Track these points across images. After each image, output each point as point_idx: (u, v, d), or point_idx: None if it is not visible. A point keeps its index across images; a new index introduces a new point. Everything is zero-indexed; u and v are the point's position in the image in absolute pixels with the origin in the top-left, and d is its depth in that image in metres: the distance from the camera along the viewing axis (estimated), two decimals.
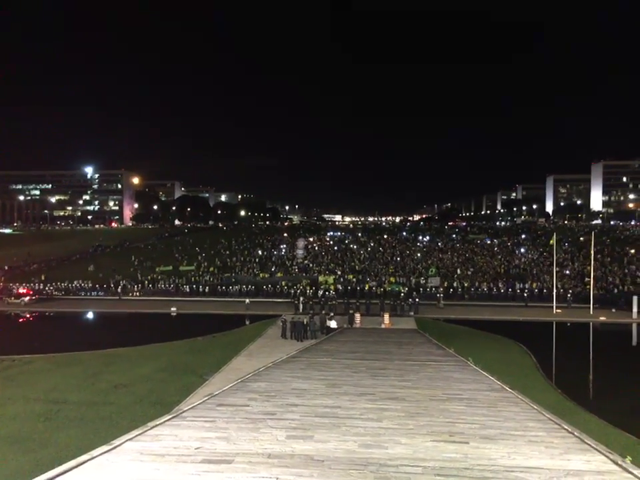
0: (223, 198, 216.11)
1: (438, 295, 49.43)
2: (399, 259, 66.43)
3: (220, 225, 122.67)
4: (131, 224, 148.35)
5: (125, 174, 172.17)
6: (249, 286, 55.88)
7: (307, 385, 12.99)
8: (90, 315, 47.49)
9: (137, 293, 55.74)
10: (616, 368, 27.55)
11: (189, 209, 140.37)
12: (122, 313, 47.21)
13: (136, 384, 21.44)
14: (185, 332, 34.82)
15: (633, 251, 63.51)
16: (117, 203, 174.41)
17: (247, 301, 46.98)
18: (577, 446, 8.00)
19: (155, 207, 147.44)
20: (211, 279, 59.40)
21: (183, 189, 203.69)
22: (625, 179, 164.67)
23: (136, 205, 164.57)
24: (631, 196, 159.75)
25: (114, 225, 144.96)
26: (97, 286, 57.30)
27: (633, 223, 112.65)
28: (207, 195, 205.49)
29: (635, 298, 42.89)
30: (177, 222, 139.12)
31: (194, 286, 56.87)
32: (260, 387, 12.62)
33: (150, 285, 57.73)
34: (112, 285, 57.04)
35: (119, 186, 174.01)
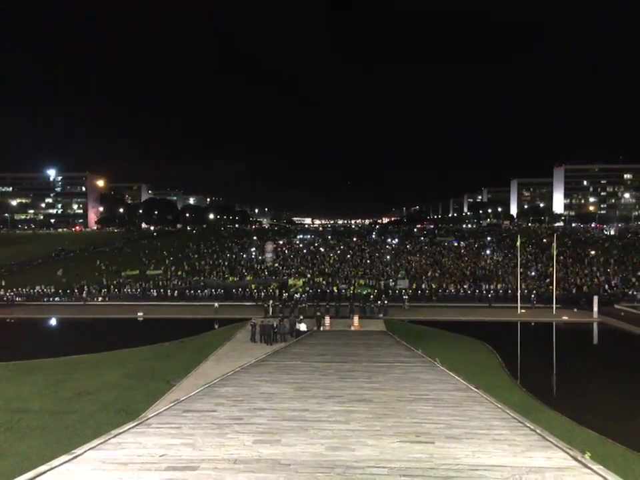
0: (192, 201, 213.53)
1: (404, 297, 50.02)
2: (368, 261, 66.88)
3: (188, 228, 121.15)
4: (95, 227, 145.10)
5: (90, 176, 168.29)
6: (218, 290, 55.33)
7: (276, 389, 12.93)
8: (53, 321, 46.15)
9: (104, 298, 54.48)
10: (578, 366, 28.38)
11: (156, 212, 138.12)
12: (87, 319, 46.06)
13: (101, 391, 20.94)
14: (152, 337, 34.17)
15: (593, 252, 65.64)
16: (81, 206, 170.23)
17: (216, 304, 46.49)
18: (539, 443, 8.18)
19: (121, 210, 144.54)
20: (179, 283, 58.57)
21: (150, 191, 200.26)
22: (585, 183, 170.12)
23: (101, 208, 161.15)
24: (591, 199, 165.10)
25: (78, 228, 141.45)
26: (61, 291, 55.75)
27: (593, 225, 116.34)
28: (175, 197, 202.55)
29: (595, 298, 44.28)
30: (143, 225, 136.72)
31: (161, 290, 55.96)
32: (228, 391, 12.50)
33: (116, 290, 56.53)
34: (76, 290, 55.61)
35: (83, 188, 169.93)
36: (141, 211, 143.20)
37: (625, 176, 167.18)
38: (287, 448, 7.60)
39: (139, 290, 56.35)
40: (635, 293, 50.87)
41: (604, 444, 15.43)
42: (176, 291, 55.66)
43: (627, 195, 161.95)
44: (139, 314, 45.41)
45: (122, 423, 10.15)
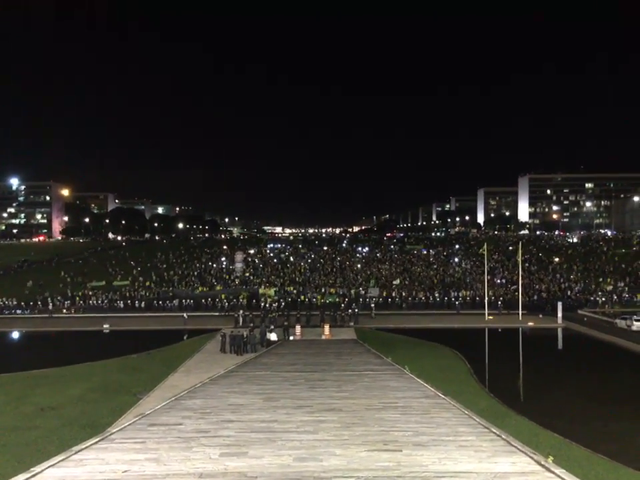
0: (160, 210, 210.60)
1: (371, 305, 50.27)
2: (338, 270, 67.04)
3: (157, 238, 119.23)
4: (60, 238, 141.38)
5: (54, 185, 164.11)
6: (187, 300, 54.55)
7: (244, 400, 12.80)
8: (16, 335, 44.65)
9: (69, 310, 53.00)
10: (544, 371, 29.00)
11: (123, 222, 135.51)
12: (51, 332, 44.72)
13: (65, 406, 20.29)
14: (119, 349, 33.40)
15: (557, 259, 67.40)
16: (45, 215, 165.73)
17: (185, 315, 45.79)
18: (504, 448, 8.32)
19: (87, 220, 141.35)
20: (147, 294, 57.52)
21: (117, 200, 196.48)
22: (548, 192, 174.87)
23: (66, 218, 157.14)
24: (555, 207, 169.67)
25: (42, 238, 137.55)
26: (23, 304, 54.01)
27: (556, 232, 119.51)
28: (143, 207, 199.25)
29: (559, 304, 45.43)
30: (110, 235, 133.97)
31: (129, 301, 54.84)
32: (195, 404, 12.31)
33: (81, 302, 55.12)
34: (39, 302, 53.99)
35: (48, 198, 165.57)
36: (107, 221, 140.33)
37: (587, 185, 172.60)
38: (254, 460, 7.52)
39: (105, 301, 55.10)
40: (597, 298, 52.41)
41: (569, 447, 15.76)
42: (143, 302, 54.65)
43: (588, 204, 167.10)
44: (104, 326, 44.36)
45: (87, 438, 9.88)
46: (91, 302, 55.26)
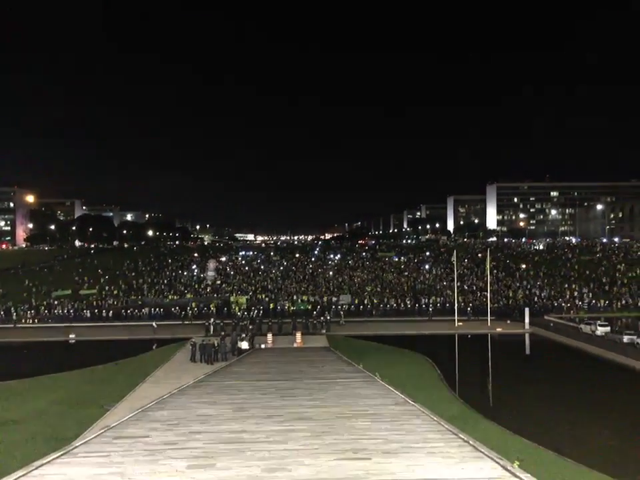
0: (129, 217, 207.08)
1: (340, 312, 50.23)
2: (309, 277, 67.01)
3: (126, 245, 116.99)
4: (24, 245, 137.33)
5: (18, 191, 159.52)
6: (157, 309, 53.65)
7: (213, 410, 12.62)
8: None
9: (33, 320, 51.46)
10: (512, 376, 29.55)
11: (90, 229, 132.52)
12: (15, 342, 43.36)
13: (28, 419, 19.67)
14: (86, 360, 32.64)
15: (524, 266, 68.87)
16: (8, 222, 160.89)
17: (154, 324, 45.03)
18: (471, 454, 8.42)
19: (52, 227, 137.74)
20: (115, 303, 56.33)
21: (84, 207, 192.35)
22: (515, 200, 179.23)
23: (30, 225, 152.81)
24: (521, 215, 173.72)
25: (4, 246, 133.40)
26: None
27: (523, 240, 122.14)
28: (111, 213, 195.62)
29: (526, 310, 46.41)
30: (77, 243, 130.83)
31: (95, 311, 53.58)
32: (163, 415, 12.07)
33: (46, 311, 53.59)
34: (2, 312, 52.27)
35: (11, 204, 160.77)
36: (74, 228, 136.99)
37: (552, 193, 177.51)
38: (222, 472, 7.42)
39: (71, 310, 53.70)
40: (562, 304, 53.72)
41: (537, 452, 16.06)
42: (111, 311, 53.46)
43: (553, 212, 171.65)
44: (70, 336, 43.31)
45: (50, 452, 9.57)
46: (56, 311, 53.79)
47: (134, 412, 13.00)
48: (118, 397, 22.31)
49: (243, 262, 77.99)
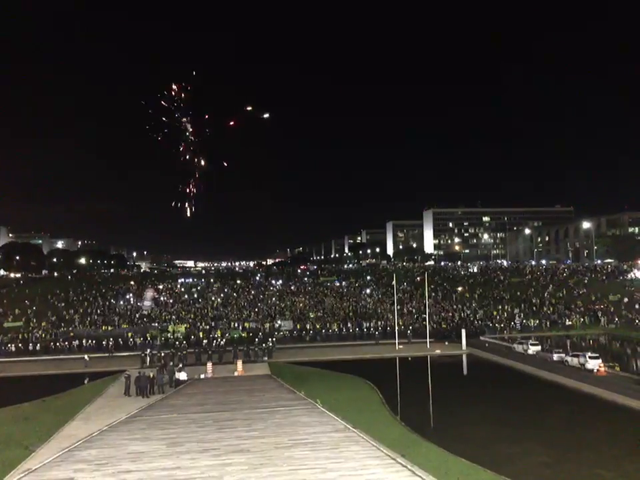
0: (60, 245, 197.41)
1: (272, 340, 47.57)
2: (251, 303, 66.14)
3: (56, 275, 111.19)
4: None
5: None
6: (89, 340, 51.05)
7: (146, 447, 12.03)
8: None
9: None
10: (452, 397, 30.11)
11: (17, 257, 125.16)
12: None
13: None
14: (9, 398, 30.42)
15: (460, 289, 71.19)
16: None
17: (86, 357, 42.73)
18: (409, 479, 8.44)
19: None
20: (43, 335, 53.14)
21: (10, 234, 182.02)
22: (450, 225, 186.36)
23: None
24: (456, 239, 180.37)
25: None
26: None
27: (459, 263, 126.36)
28: (40, 241, 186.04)
29: (463, 331, 47.83)
30: (2, 272, 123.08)
31: (20, 345, 50.26)
32: (90, 454, 11.38)
33: None
34: None
35: None
36: None
37: (484, 219, 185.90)
38: None
39: None
40: (496, 324, 55.80)
41: (476, 471, 16.35)
42: (38, 345, 50.35)
43: (485, 236, 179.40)
44: None
45: None
46: None
47: (60, 452, 12.17)
48: (45, 436, 20.83)
49: (182, 289, 75.98)
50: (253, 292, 72.88)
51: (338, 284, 78.74)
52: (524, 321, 57.07)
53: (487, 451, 19.40)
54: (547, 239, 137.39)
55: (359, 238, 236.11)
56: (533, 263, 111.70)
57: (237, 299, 68.88)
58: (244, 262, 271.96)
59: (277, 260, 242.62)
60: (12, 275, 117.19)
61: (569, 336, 52.32)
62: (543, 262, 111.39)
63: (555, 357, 38.25)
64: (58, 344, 50.55)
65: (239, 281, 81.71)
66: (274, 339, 48.99)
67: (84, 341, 50.91)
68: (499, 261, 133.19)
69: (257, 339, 49.47)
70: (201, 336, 52.49)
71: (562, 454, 19.50)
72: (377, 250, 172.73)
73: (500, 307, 61.99)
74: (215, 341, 49.56)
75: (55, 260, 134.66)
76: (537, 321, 56.94)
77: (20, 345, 50.39)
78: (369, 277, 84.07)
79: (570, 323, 56.62)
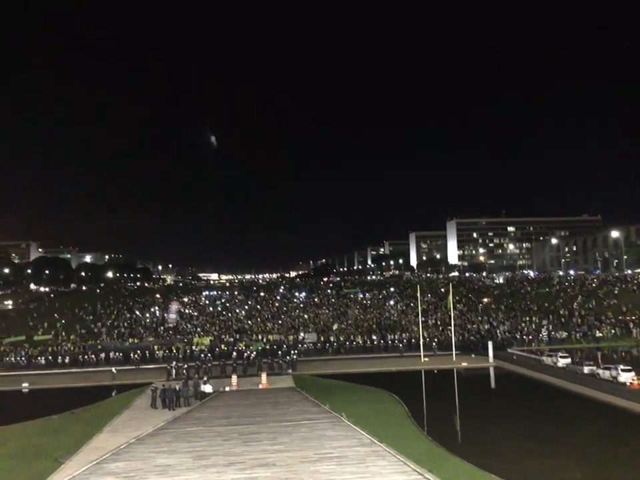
0: (88, 259, 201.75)
1: (292, 357, 46.22)
2: (275, 315, 66.29)
3: (84, 288, 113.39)
4: None
5: None
6: (117, 353, 51.79)
7: (172, 460, 12.10)
8: None
9: None
10: (480, 411, 29.58)
11: (47, 272, 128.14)
12: None
13: None
14: (39, 410, 31.05)
15: (486, 300, 70.13)
16: None
17: (114, 369, 43.37)
18: None
19: (7, 270, 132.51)
20: (72, 348, 54.10)
21: (40, 249, 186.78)
22: (475, 235, 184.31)
23: None
24: (481, 250, 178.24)
25: None
26: None
27: (484, 274, 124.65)
28: (69, 255, 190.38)
29: (490, 343, 47.00)
30: (32, 286, 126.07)
31: (50, 357, 51.25)
32: (118, 467, 11.50)
33: None
34: None
35: None
36: (29, 271, 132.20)
37: (509, 229, 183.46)
38: None
39: (23, 358, 51.22)
40: (523, 337, 54.70)
41: None
42: (67, 357, 51.26)
43: (511, 246, 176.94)
44: (23, 385, 41.25)
45: None
46: (7, 359, 51.21)
47: (88, 465, 12.33)
48: (73, 448, 21.16)
49: (207, 302, 76.64)
50: (276, 304, 73.09)
51: (361, 296, 78.37)
52: (552, 333, 55.81)
53: (517, 467, 18.96)
54: (574, 248, 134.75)
55: (382, 249, 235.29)
56: (561, 273, 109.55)
57: (261, 311, 69.14)
58: (267, 274, 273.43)
59: (299, 272, 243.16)
60: (42, 288, 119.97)
61: (599, 348, 50.93)
62: (571, 272, 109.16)
63: (586, 369, 37.26)
64: (86, 356, 51.39)
65: (262, 294, 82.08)
66: (296, 351, 48.96)
67: (111, 354, 51.66)
68: (525, 272, 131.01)
69: (279, 352, 49.47)
70: (224, 348, 52.74)
71: (594, 470, 18.94)
72: (400, 261, 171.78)
73: (527, 319, 60.79)
74: (245, 354, 49.62)
75: (83, 274, 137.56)
76: (566, 333, 55.62)
77: (49, 357, 51.36)
78: (392, 289, 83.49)
79: (600, 334, 55.13)
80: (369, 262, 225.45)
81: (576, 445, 22.12)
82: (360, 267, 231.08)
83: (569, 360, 40.96)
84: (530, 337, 54.50)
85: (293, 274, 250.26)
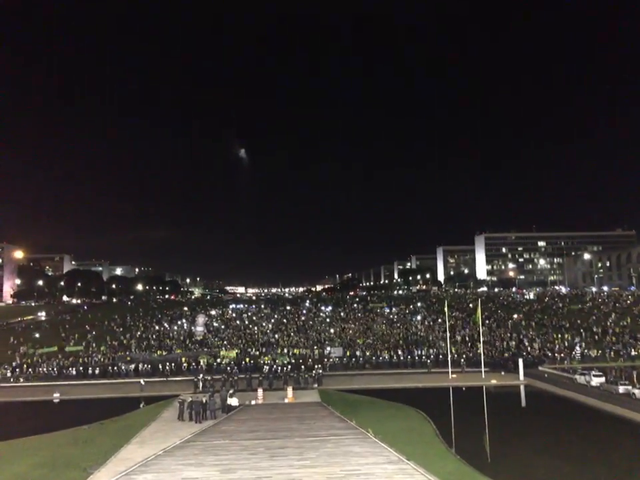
0: (118, 271, 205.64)
1: (317, 372, 45.20)
2: (301, 329, 66.23)
3: (114, 300, 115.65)
4: (11, 301, 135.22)
5: (7, 247, 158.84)
6: (145, 365, 52.45)
7: (199, 473, 12.16)
8: None
9: (16, 379, 49.90)
10: (510, 429, 28.86)
11: (79, 284, 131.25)
12: None
13: None
14: (69, 420, 31.50)
15: (515, 316, 68.70)
16: None
17: (142, 381, 43.87)
18: None
19: (40, 282, 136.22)
20: (102, 359, 55.03)
21: (73, 262, 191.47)
22: (504, 250, 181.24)
23: (18, 281, 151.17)
24: (510, 265, 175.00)
25: None
26: None
27: (514, 289, 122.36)
28: (101, 268, 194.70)
29: (520, 360, 45.88)
30: (65, 298, 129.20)
31: (81, 368, 52.20)
32: (146, 479, 11.60)
33: (30, 370, 52.11)
34: None
35: (0, 260, 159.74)
36: (62, 283, 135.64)
37: (539, 243, 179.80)
38: None
39: (55, 368, 52.30)
40: (555, 354, 53.29)
41: None
42: (97, 368, 52.12)
43: (542, 261, 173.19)
44: (55, 395, 41.93)
45: None
46: (40, 369, 52.37)
47: (117, 476, 12.48)
48: (102, 459, 21.42)
49: (234, 315, 77.18)
50: (302, 318, 73.08)
51: (388, 310, 77.77)
52: (585, 351, 54.22)
53: None
54: (607, 264, 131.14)
55: (409, 264, 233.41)
56: (594, 289, 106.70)
57: (287, 325, 69.20)
58: (293, 288, 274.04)
59: (325, 286, 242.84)
60: (74, 300, 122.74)
61: (634, 367, 49.21)
62: (605, 288, 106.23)
63: (621, 389, 36.04)
64: (115, 368, 52.16)
65: (288, 307, 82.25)
66: (321, 366, 48.75)
67: (140, 365, 52.33)
68: (557, 287, 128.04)
69: (303, 366, 49.30)
70: (249, 361, 52.86)
71: None
72: (427, 276, 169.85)
73: (559, 336, 59.26)
74: (273, 367, 49.68)
75: (113, 286, 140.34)
76: (599, 351, 53.97)
77: (80, 368, 52.29)
78: (419, 304, 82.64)
79: (635, 353, 53.32)
80: (396, 276, 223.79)
81: (610, 467, 21.37)
82: (386, 281, 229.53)
83: (602, 379, 39.70)
84: (562, 355, 53.07)
85: (319, 288, 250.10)
